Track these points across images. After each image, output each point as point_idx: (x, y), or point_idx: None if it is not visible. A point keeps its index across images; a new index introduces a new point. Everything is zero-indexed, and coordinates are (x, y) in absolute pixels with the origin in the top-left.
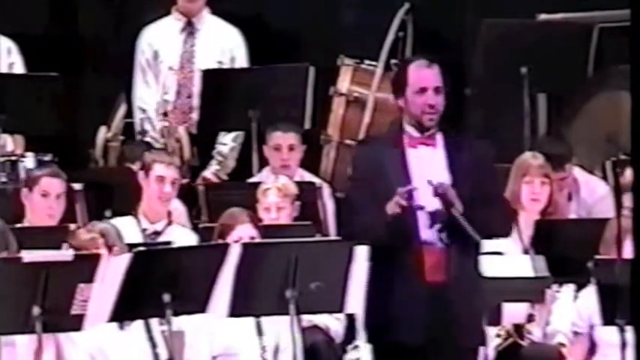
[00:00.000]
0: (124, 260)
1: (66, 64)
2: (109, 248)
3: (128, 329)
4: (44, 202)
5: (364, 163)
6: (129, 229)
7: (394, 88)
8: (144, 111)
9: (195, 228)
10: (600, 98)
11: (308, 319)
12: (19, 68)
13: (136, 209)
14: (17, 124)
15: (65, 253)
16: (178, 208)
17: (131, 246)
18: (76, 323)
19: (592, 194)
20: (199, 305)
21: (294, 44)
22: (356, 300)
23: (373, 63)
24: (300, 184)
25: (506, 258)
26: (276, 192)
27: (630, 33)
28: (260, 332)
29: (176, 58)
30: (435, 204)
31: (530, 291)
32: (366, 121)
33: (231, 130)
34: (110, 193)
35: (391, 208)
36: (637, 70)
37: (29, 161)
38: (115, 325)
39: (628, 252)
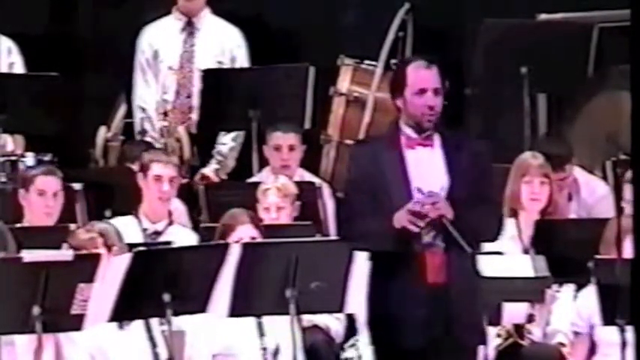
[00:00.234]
0: (124, 260)
1: (66, 64)
2: (108, 248)
3: (128, 329)
4: (41, 200)
5: (362, 164)
6: (129, 228)
7: (392, 89)
8: (144, 110)
9: (195, 228)
10: (600, 98)
11: (308, 318)
12: (19, 68)
13: (136, 209)
14: (17, 124)
15: (65, 253)
16: (179, 207)
17: (131, 246)
18: (76, 323)
19: (592, 194)
20: (199, 305)
21: (294, 44)
22: (356, 300)
23: (373, 63)
24: (300, 184)
25: (506, 258)
26: (276, 192)
27: (630, 33)
28: (262, 333)
29: (176, 58)
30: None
31: (530, 291)
32: (366, 121)
33: (231, 130)
34: (110, 193)
35: (399, 222)
36: (637, 70)
37: (29, 161)
38: (114, 324)
39: (628, 252)
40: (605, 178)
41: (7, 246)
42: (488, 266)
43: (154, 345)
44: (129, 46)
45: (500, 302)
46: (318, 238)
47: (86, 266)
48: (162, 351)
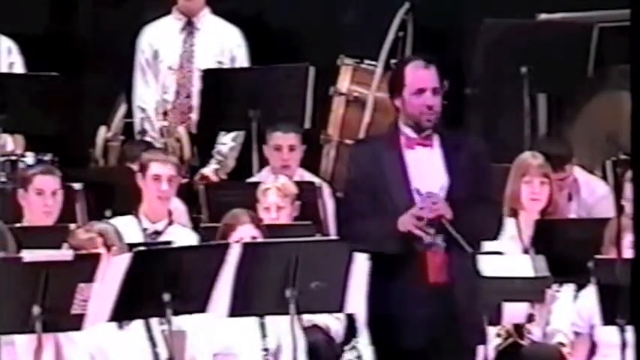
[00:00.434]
0: (124, 260)
1: (66, 64)
2: (108, 248)
3: (128, 329)
4: (40, 200)
5: (361, 164)
6: (130, 228)
7: (391, 89)
8: (143, 110)
9: (195, 227)
10: (600, 98)
11: (308, 318)
12: (19, 68)
13: (136, 209)
14: (17, 124)
15: (65, 253)
16: (179, 207)
17: (131, 246)
18: (76, 323)
19: (592, 194)
20: (199, 305)
21: (294, 44)
22: (356, 300)
23: (373, 63)
24: (300, 183)
25: (506, 258)
26: (276, 192)
27: (630, 33)
28: (264, 334)
29: (176, 58)
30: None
31: (530, 291)
32: (366, 120)
33: (231, 130)
34: (110, 192)
35: (405, 226)
36: (637, 70)
37: (29, 161)
38: (114, 324)
39: (628, 252)
40: (605, 178)
41: (7, 246)
42: (489, 266)
43: (154, 345)
44: (129, 46)
45: (500, 302)
46: (318, 238)
47: (86, 266)
48: (163, 351)
